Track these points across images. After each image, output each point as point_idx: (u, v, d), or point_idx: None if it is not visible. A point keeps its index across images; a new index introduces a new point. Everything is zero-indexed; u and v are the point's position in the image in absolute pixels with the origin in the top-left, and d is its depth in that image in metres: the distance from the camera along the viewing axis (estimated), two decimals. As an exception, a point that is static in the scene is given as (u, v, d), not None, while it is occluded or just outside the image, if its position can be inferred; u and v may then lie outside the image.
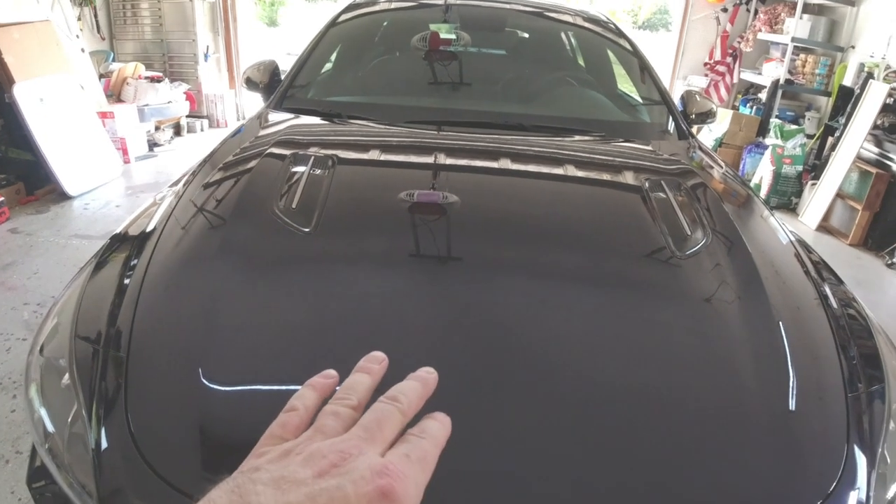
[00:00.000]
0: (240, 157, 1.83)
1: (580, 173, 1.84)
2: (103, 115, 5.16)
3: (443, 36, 2.64)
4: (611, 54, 2.82)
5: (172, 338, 1.19)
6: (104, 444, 1.01)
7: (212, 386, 1.07)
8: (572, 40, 3.02)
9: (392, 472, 0.37)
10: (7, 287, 3.21)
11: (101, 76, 5.77)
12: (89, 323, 1.24)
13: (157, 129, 6.06)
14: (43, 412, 1.13)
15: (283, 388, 1.10)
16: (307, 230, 1.41)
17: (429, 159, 1.86)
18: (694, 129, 6.29)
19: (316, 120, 2.17)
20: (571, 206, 1.68)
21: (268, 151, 1.77)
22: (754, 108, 6.06)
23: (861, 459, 1.01)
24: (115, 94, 5.82)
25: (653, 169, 1.87)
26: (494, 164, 1.87)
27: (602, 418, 1.03)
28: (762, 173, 5.31)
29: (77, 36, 5.34)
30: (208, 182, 1.70)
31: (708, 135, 6.04)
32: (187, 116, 6.50)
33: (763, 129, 5.70)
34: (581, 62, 2.94)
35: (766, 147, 5.39)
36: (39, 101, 4.30)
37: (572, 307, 1.30)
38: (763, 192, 5.19)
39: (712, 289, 1.33)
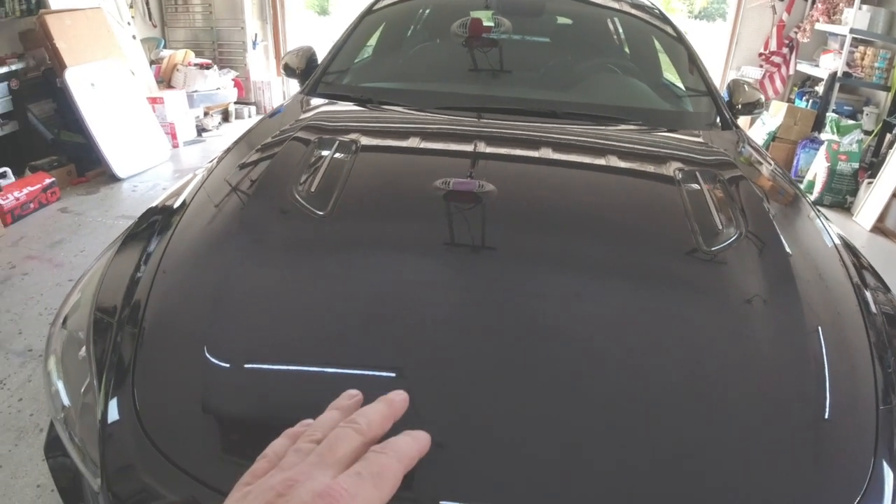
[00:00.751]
0: (267, 141, 1.84)
1: (619, 164, 1.78)
2: (153, 100, 5.30)
3: (483, 23, 2.60)
4: (654, 41, 2.74)
5: (182, 316, 1.20)
6: (110, 418, 1.02)
7: (216, 365, 1.07)
8: (615, 27, 2.95)
9: (335, 492, 0.36)
10: (54, 264, 3.33)
11: (152, 62, 5.92)
12: (109, 297, 1.27)
13: (205, 114, 6.19)
14: (60, 385, 1.16)
15: (287, 368, 1.10)
16: (322, 213, 1.41)
17: (455, 146, 1.84)
18: (746, 121, 6.05)
19: (347, 105, 2.17)
20: (609, 197, 1.63)
21: (294, 136, 1.78)
22: (810, 101, 5.83)
23: (888, 474, 0.95)
24: (165, 81, 5.96)
25: (695, 161, 1.80)
26: (529, 153, 1.83)
27: (624, 418, 0.99)
28: (816, 170, 5.11)
29: (129, 23, 5.49)
30: (235, 164, 1.72)
31: (761, 128, 5.84)
32: (235, 103, 6.63)
33: (819, 124, 5.48)
34: (624, 49, 2.86)
35: (821, 142, 5.18)
36: (90, 85, 4.44)
37: (602, 303, 1.25)
38: (817, 190, 5.00)
39: (745, 289, 1.27)
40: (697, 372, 1.09)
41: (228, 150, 1.91)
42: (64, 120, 4.61)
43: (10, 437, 2.06)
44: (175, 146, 5.51)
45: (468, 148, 1.80)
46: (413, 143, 1.87)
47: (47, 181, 4.10)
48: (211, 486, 0.91)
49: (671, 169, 1.70)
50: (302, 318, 1.19)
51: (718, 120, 2.22)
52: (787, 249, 1.40)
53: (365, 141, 1.77)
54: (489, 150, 1.79)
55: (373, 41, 2.75)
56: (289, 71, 2.69)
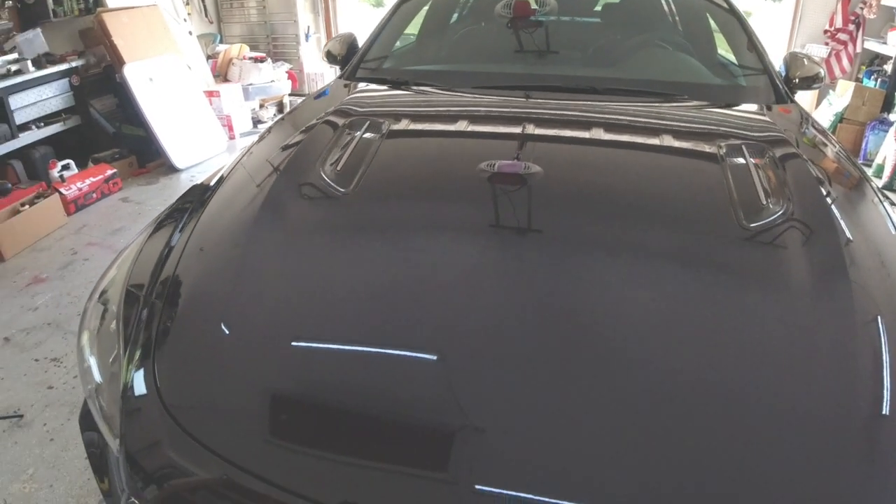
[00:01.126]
0: (305, 124, 1.86)
1: (671, 143, 1.71)
2: (210, 93, 5.45)
3: (528, 4, 2.54)
4: (705, 14, 2.63)
5: (204, 292, 1.22)
6: (132, 390, 1.05)
7: (234, 341, 1.09)
8: (665, 1, 2.84)
9: None
10: (113, 250, 3.46)
11: (208, 57, 6.08)
12: (142, 273, 1.31)
13: (260, 106, 6.32)
14: (92, 361, 1.20)
15: (301, 345, 1.10)
16: (344, 191, 1.42)
17: (497, 127, 1.81)
18: (812, 101, 5.71)
19: (382, 88, 2.18)
20: (659, 180, 1.55)
21: (325, 118, 1.80)
22: (879, 80, 5.51)
23: None
24: (221, 75, 6.12)
25: (749, 138, 1.71)
26: (575, 133, 1.79)
27: (669, 411, 0.95)
28: (886, 153, 4.83)
29: (185, 20, 5.65)
30: (268, 145, 1.76)
31: (828, 109, 5.56)
32: (289, 94, 6.74)
33: (888, 104, 5.17)
34: (673, 23, 2.76)
35: (890, 124, 4.90)
36: (149, 80, 4.59)
37: (650, 291, 1.18)
38: (886, 174, 4.73)
39: (804, 278, 1.19)
40: (743, 364, 1.03)
41: (269, 131, 1.95)
42: (125, 114, 4.79)
43: (64, 411, 2.16)
44: (231, 137, 5.64)
45: (509, 129, 1.77)
46: (449, 123, 1.85)
47: (109, 172, 4.27)
48: (228, 459, 0.92)
49: (722, 147, 1.62)
50: (321, 296, 1.19)
51: (774, 95, 2.11)
52: (846, 233, 1.32)
53: (394, 122, 1.76)
54: (534, 130, 1.75)
55: (411, 28, 2.73)
56: (331, 58, 2.70)
